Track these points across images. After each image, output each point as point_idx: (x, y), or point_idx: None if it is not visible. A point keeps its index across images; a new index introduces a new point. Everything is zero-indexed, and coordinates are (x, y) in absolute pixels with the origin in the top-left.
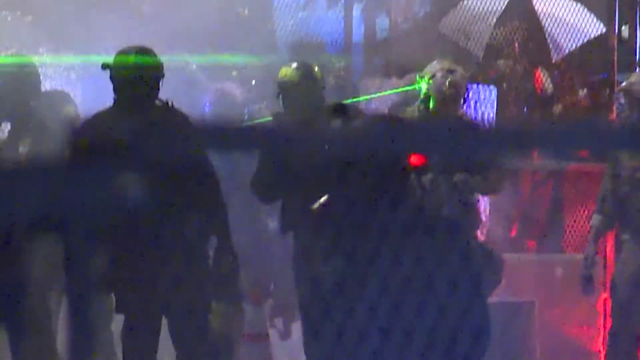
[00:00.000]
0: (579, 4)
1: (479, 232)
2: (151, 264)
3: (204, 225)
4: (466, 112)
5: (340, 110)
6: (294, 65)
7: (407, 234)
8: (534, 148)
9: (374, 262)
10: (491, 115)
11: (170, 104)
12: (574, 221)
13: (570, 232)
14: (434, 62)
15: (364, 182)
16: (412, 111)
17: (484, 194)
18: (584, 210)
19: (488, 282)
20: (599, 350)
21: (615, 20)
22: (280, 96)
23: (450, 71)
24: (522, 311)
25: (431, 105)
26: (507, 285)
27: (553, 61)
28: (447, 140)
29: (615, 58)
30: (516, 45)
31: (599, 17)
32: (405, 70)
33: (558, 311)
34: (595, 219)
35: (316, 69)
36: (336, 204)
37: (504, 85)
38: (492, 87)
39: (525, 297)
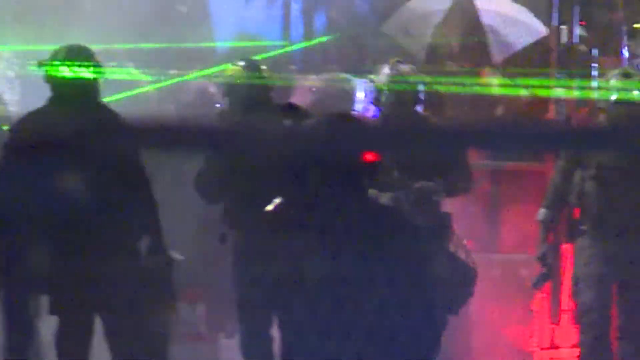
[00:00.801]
0: (522, 7)
1: (451, 244)
2: (84, 263)
3: (135, 223)
4: (419, 110)
5: (291, 109)
6: (241, 63)
7: (356, 234)
8: (482, 147)
9: (323, 263)
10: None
11: (104, 103)
12: (510, 221)
13: (505, 232)
14: (385, 64)
15: (315, 182)
16: (370, 109)
17: (450, 195)
18: (520, 211)
19: (457, 294)
20: (533, 351)
21: (553, 21)
22: (227, 95)
23: (400, 69)
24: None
25: (384, 103)
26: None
27: (493, 62)
28: (400, 139)
29: (554, 59)
30: (459, 46)
31: (538, 18)
32: (343, 67)
33: (493, 311)
34: (543, 213)
35: (263, 67)
36: (289, 206)
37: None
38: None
39: None
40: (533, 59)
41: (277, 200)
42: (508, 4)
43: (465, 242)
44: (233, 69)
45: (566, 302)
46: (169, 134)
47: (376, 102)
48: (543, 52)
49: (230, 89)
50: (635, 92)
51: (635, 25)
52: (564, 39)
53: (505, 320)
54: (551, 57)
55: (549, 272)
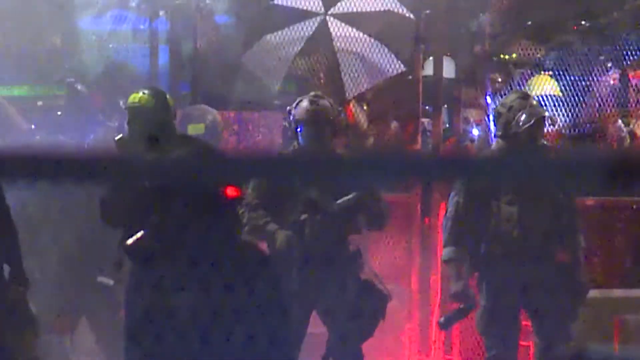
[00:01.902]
0: (378, 43)
1: (362, 272)
2: None
3: None
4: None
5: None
6: (146, 91)
7: (220, 265)
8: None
9: (184, 293)
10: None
11: None
12: (380, 252)
13: (375, 263)
14: (302, 98)
15: (180, 212)
16: (293, 147)
17: (369, 228)
18: (389, 240)
19: (366, 319)
20: None
21: (419, 56)
22: (129, 121)
23: (315, 101)
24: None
25: (303, 137)
26: (314, 315)
27: (347, 97)
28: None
29: (420, 91)
30: (322, 76)
31: (403, 53)
32: (209, 97)
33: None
34: (450, 251)
35: (167, 96)
36: (152, 236)
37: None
38: (279, 114)
39: None
40: (400, 91)
41: (139, 234)
42: (364, 41)
43: (376, 270)
44: (137, 95)
45: (435, 332)
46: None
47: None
48: (410, 84)
49: (133, 116)
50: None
51: (502, 56)
52: (431, 71)
53: (376, 351)
54: (417, 89)
55: (470, 307)
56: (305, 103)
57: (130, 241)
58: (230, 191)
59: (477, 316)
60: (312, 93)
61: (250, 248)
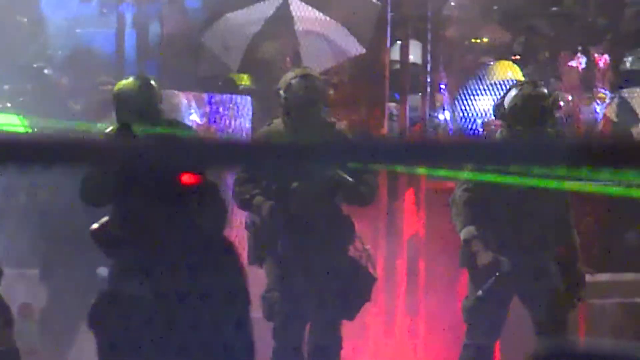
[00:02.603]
0: (338, 24)
1: (352, 247)
2: None
3: None
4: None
5: (126, 130)
6: (132, 77)
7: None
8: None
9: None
10: (247, 125)
11: None
12: None
13: None
14: (289, 72)
15: (141, 199)
16: (279, 123)
17: (353, 203)
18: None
19: (353, 299)
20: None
21: (386, 40)
22: (117, 110)
23: (304, 76)
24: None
25: (293, 113)
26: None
27: None
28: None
29: (387, 76)
30: (288, 59)
31: (366, 37)
32: (178, 81)
33: None
34: (471, 229)
35: (153, 82)
36: (116, 221)
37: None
38: (246, 97)
39: None
40: (367, 76)
41: (104, 219)
42: (325, 22)
43: (368, 246)
44: (125, 82)
45: (399, 317)
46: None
47: (288, 113)
48: (377, 69)
49: (121, 103)
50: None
51: (473, 40)
52: (398, 56)
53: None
54: (385, 74)
55: (506, 273)
56: (298, 78)
57: (95, 226)
58: (187, 178)
59: (466, 304)
60: (302, 68)
61: (211, 236)
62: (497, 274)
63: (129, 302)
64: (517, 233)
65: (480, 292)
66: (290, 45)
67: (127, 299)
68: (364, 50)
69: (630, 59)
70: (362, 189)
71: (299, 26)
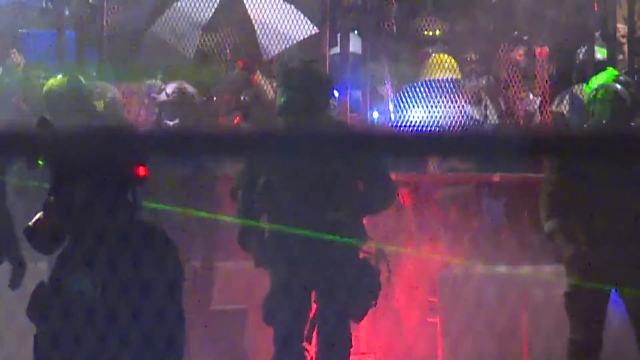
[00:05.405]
0: (291, 6)
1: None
2: None
3: None
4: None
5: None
6: (61, 76)
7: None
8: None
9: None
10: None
11: None
12: None
13: None
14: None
15: (84, 192)
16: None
17: (375, 212)
18: None
19: (361, 299)
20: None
21: (326, 32)
22: (49, 109)
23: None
24: (234, 318)
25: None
26: (220, 293)
27: (264, 58)
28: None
29: (327, 67)
30: (228, 50)
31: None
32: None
33: None
34: (554, 222)
35: (79, 76)
36: (50, 218)
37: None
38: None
39: (236, 305)
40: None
41: (37, 216)
42: (278, 4)
43: (381, 246)
44: (53, 81)
45: None
46: None
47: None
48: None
49: (51, 103)
50: None
51: (427, 32)
52: (337, 46)
53: None
54: (324, 65)
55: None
56: (292, 64)
57: (30, 224)
58: (141, 171)
59: (565, 298)
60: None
61: (149, 230)
62: (584, 267)
63: (68, 294)
64: (607, 225)
65: (567, 287)
66: (243, 28)
67: (67, 291)
68: (317, 30)
69: (581, 52)
70: (377, 194)
71: (251, 10)
